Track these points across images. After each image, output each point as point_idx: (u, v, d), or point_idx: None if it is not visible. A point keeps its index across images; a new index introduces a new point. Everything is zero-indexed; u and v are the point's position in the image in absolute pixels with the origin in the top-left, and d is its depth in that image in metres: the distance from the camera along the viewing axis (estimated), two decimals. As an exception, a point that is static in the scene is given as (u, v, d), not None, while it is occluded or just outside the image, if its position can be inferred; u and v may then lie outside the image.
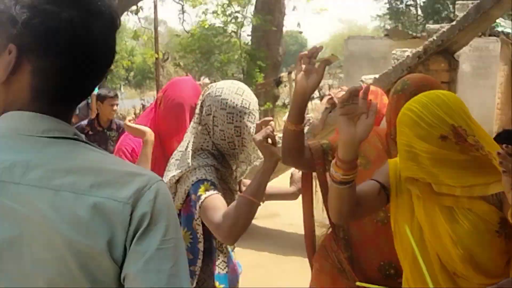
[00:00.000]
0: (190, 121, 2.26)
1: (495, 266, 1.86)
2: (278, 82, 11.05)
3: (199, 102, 2.13)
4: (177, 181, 2.08)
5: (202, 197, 1.95)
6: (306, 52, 2.03)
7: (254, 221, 2.77)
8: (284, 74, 11.79)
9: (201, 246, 2.04)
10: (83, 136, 1.07)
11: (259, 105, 7.77)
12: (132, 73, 21.90)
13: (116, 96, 5.83)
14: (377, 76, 6.28)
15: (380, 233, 2.21)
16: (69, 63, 1.02)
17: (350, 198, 1.81)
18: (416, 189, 1.87)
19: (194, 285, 2.08)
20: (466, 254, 1.82)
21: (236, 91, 2.07)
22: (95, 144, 1.12)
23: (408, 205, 1.93)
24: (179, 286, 0.98)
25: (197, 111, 2.15)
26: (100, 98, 5.70)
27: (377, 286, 2.04)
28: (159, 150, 2.47)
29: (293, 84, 7.04)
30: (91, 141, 1.16)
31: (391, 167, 1.94)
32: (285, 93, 11.77)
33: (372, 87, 2.12)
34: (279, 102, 11.75)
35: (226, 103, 2.01)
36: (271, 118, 2.04)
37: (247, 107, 2.04)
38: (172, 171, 2.07)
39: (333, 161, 1.81)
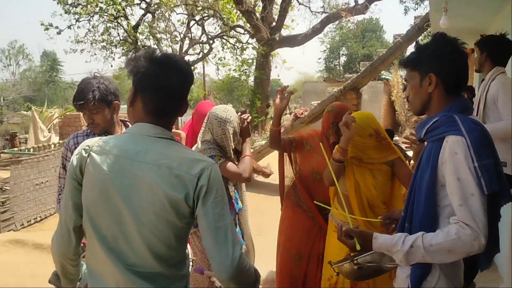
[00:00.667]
0: None
1: (395, 199, 2.73)
2: (268, 106, 16.45)
3: (207, 116, 2.92)
4: None
5: (219, 162, 2.73)
6: (280, 88, 2.99)
7: (256, 178, 6.49)
8: (271, 102, 17.21)
9: None
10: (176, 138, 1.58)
11: (258, 118, 13.93)
12: (192, 102, 30.64)
13: None
14: (319, 102, 8.74)
15: (318, 184, 3.15)
16: (160, 97, 1.52)
17: (340, 170, 2.59)
18: (355, 161, 2.67)
19: None
20: (380, 193, 2.65)
21: (223, 110, 2.89)
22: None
23: (351, 170, 2.71)
24: (224, 221, 1.48)
25: (205, 120, 2.94)
26: None
27: (328, 207, 2.85)
28: (193, 143, 3.21)
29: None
30: None
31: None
32: (271, 113, 17.81)
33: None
34: (268, 117, 16.65)
35: (217, 115, 2.85)
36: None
37: (229, 118, 2.84)
38: None
39: (335, 149, 2.59)
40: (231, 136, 2.86)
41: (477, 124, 1.71)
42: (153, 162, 1.47)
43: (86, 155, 1.55)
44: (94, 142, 1.58)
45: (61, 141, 8.66)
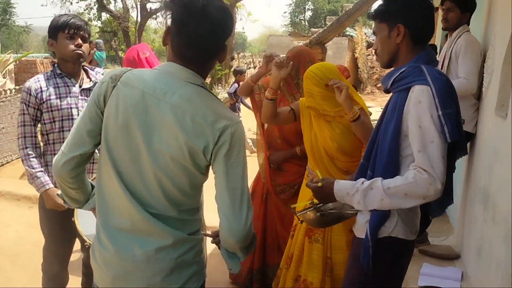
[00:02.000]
0: None
1: (355, 151, 2.68)
2: (232, 58, 16.12)
3: None
4: None
5: None
6: (269, 54, 3.12)
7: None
8: (235, 55, 17.28)
9: None
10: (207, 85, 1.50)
11: (221, 71, 13.84)
12: (154, 52, 29.68)
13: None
14: (284, 55, 9.49)
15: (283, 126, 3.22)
16: (184, 45, 1.45)
17: (273, 108, 2.82)
18: (312, 112, 2.67)
19: None
20: (337, 146, 2.63)
21: None
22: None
23: (308, 122, 2.75)
24: (243, 182, 1.45)
25: None
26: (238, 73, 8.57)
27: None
28: None
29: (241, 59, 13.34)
30: None
31: (300, 101, 2.79)
32: (235, 65, 17.66)
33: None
34: (232, 70, 16.52)
35: None
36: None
37: None
38: None
39: (267, 89, 2.82)
40: None
41: (442, 74, 1.77)
42: (179, 106, 1.43)
43: (113, 85, 1.49)
44: (121, 72, 1.52)
45: (16, 87, 8.37)
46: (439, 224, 4.21)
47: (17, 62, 12.40)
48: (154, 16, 17.12)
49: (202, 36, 1.42)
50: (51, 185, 2.50)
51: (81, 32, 2.54)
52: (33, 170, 2.51)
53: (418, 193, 1.64)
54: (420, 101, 1.68)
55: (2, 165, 7.42)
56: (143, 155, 1.46)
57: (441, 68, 3.45)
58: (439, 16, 5.97)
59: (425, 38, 1.85)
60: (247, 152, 8.10)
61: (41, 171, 2.52)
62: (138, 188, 1.49)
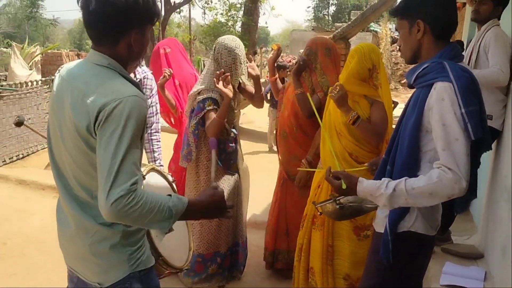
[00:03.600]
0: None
1: (360, 135, 2.69)
2: (255, 53, 16.29)
3: (213, 48, 3.13)
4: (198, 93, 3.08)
5: (207, 109, 3.04)
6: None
7: (241, 125, 6.79)
8: (257, 49, 17.36)
9: None
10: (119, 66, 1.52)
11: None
12: None
13: None
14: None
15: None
16: (86, 23, 1.51)
17: (305, 100, 3.04)
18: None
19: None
20: (344, 120, 2.71)
21: (231, 39, 3.12)
22: None
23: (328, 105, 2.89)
24: (111, 159, 1.36)
25: (211, 53, 3.18)
26: None
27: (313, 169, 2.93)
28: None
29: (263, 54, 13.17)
30: None
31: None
32: (257, 60, 17.67)
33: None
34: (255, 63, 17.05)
35: (226, 44, 3.06)
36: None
37: (238, 47, 3.07)
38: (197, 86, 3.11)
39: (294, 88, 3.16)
40: (241, 65, 3.09)
41: (466, 71, 1.73)
42: (76, 88, 1.49)
43: (56, 77, 1.63)
44: (66, 64, 1.65)
45: (43, 79, 8.54)
46: (462, 223, 4.14)
47: (43, 54, 12.66)
48: (178, 10, 17.22)
49: (95, 14, 1.47)
50: None
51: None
52: None
53: (443, 192, 1.63)
54: (443, 98, 1.66)
55: (28, 155, 7.59)
56: (60, 138, 1.54)
57: (469, 63, 3.38)
58: (465, 12, 5.86)
59: (447, 33, 1.83)
60: (266, 148, 8.29)
61: None
62: (63, 173, 1.59)
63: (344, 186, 1.84)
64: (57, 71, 1.63)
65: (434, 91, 1.70)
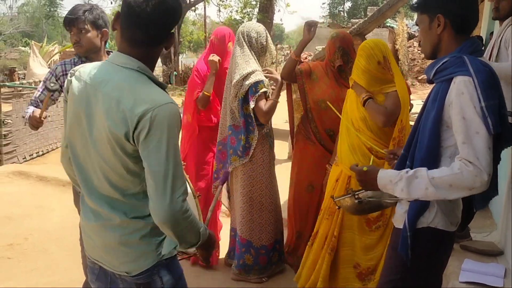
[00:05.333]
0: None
1: (379, 130, 2.74)
2: None
3: (238, 37, 3.23)
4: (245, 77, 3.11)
5: (260, 92, 3.10)
6: (309, 21, 3.33)
7: None
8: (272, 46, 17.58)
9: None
10: (150, 70, 1.51)
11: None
12: (191, 44, 35.30)
13: None
14: (323, 47, 9.17)
15: (325, 112, 3.29)
16: (131, 24, 1.48)
17: (292, 67, 3.35)
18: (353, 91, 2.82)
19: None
20: (361, 115, 2.77)
21: (255, 23, 3.38)
22: None
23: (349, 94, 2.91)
24: (164, 166, 1.41)
25: (236, 40, 3.26)
26: None
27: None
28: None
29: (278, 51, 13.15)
30: None
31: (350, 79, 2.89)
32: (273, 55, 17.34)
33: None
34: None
35: (253, 28, 3.25)
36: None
37: (264, 29, 3.30)
38: (237, 74, 3.13)
39: (292, 52, 3.22)
40: (271, 45, 3.31)
41: (486, 65, 1.71)
42: (108, 94, 1.47)
43: (70, 80, 1.61)
44: (78, 67, 1.62)
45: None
46: (482, 220, 4.08)
47: (61, 53, 12.81)
48: (193, 8, 17.28)
49: (150, 15, 1.44)
50: None
51: (76, 25, 2.59)
52: None
53: (463, 184, 1.60)
54: (463, 92, 1.64)
55: (48, 152, 7.72)
56: (89, 142, 1.55)
57: (489, 58, 3.33)
58: (484, 6, 5.76)
59: (468, 28, 1.82)
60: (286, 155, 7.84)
61: None
62: (88, 172, 1.61)
63: (365, 168, 1.85)
64: (70, 75, 1.61)
65: (454, 85, 1.68)
